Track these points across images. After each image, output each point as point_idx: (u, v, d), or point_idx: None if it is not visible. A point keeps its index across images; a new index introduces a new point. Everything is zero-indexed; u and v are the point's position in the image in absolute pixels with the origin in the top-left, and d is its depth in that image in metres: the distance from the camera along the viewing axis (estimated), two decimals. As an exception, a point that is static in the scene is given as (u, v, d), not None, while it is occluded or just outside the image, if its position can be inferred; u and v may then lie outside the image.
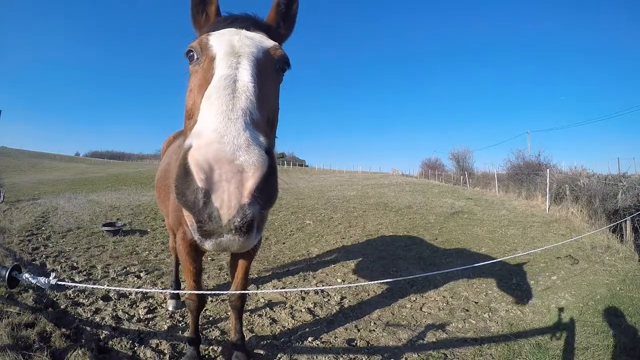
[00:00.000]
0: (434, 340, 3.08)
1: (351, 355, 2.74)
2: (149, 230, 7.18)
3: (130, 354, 2.60)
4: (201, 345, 2.65)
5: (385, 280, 2.31)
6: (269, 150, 0.77)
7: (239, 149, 0.70)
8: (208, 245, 0.75)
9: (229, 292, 2.45)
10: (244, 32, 1.12)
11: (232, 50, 0.99)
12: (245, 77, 0.90)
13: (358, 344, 2.96)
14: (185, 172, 0.71)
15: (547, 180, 11.73)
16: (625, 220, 6.80)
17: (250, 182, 0.70)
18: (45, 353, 2.38)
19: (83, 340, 2.66)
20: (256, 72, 0.96)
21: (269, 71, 1.10)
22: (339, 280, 4.60)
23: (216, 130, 0.72)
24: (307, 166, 71.67)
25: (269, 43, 1.15)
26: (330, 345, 2.90)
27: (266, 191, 0.73)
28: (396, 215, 10.19)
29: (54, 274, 1.77)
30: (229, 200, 0.69)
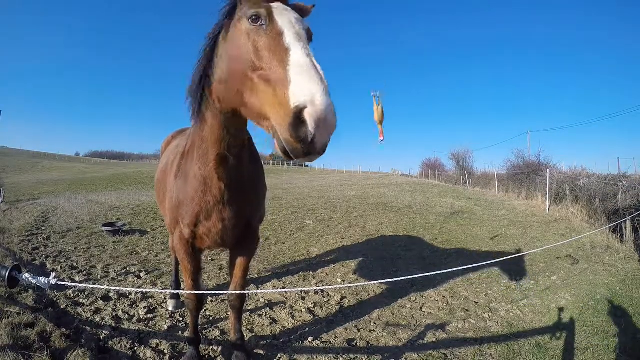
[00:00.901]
0: (434, 340, 3.08)
1: (351, 355, 2.74)
2: (149, 230, 7.18)
3: (130, 354, 2.60)
4: (201, 345, 2.65)
5: (385, 280, 2.31)
6: None
7: (330, 113, 1.07)
8: (303, 156, 1.13)
9: (228, 292, 2.45)
10: (291, 11, 1.37)
11: (296, 32, 1.26)
12: (314, 61, 1.19)
13: (358, 344, 2.96)
14: (301, 121, 1.05)
15: (547, 180, 11.72)
16: (625, 220, 6.79)
17: (330, 131, 1.11)
18: (45, 353, 2.38)
19: (83, 340, 2.66)
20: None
21: None
22: (339, 280, 4.60)
23: (323, 103, 1.05)
24: (307, 166, 71.60)
25: (306, 24, 1.40)
26: (330, 345, 2.90)
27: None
28: (396, 215, 10.19)
29: (54, 274, 1.77)
30: (322, 139, 1.09)
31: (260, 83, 1.24)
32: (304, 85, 1.08)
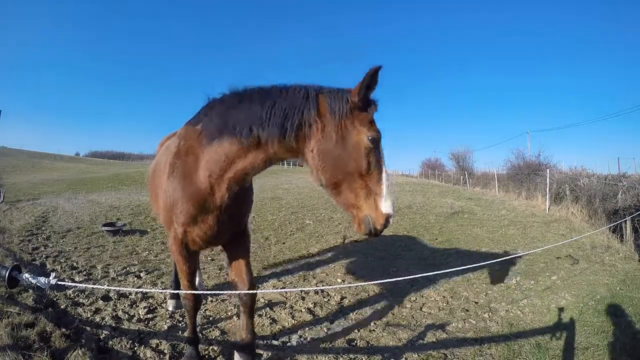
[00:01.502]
0: (434, 340, 3.08)
1: (351, 355, 2.74)
2: (149, 230, 7.18)
3: (130, 354, 2.60)
4: (201, 345, 2.65)
5: (385, 280, 2.31)
6: None
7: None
8: (377, 236, 1.80)
9: (226, 292, 2.45)
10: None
11: (384, 160, 1.79)
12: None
13: (358, 344, 2.96)
14: (387, 222, 1.69)
15: (547, 180, 11.72)
16: (625, 220, 6.79)
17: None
18: (45, 353, 2.38)
19: (83, 340, 2.66)
20: None
21: None
22: (339, 280, 4.60)
23: (393, 213, 1.73)
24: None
25: None
26: (330, 345, 2.90)
27: None
28: (396, 215, 10.18)
29: (54, 274, 1.77)
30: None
31: (361, 187, 1.73)
32: (390, 203, 1.71)
